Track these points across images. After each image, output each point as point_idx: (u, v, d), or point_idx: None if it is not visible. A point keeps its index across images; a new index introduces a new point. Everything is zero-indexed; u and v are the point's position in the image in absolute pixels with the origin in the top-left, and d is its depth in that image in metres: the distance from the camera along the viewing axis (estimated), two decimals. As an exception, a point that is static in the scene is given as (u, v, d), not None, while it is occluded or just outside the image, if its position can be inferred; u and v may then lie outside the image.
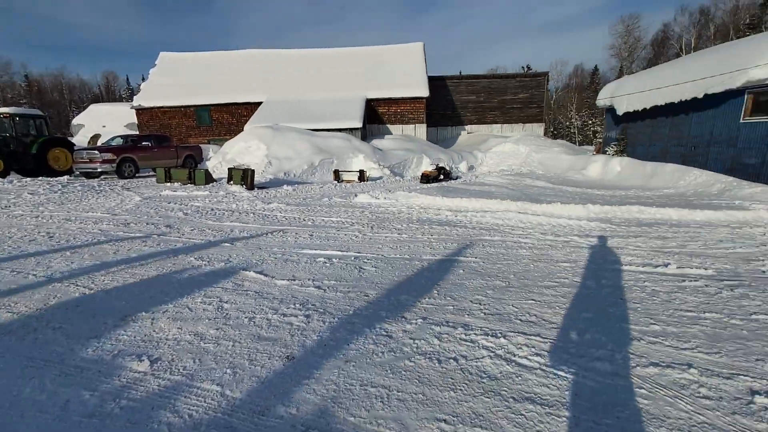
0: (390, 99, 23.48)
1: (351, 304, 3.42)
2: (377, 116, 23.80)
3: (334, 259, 4.77)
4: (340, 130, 19.35)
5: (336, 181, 14.18)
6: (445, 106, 27.51)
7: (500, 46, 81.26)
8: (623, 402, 2.14)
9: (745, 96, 10.33)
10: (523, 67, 50.26)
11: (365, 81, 24.05)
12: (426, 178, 13.55)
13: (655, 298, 3.58)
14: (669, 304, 3.45)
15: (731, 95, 10.71)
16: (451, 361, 2.53)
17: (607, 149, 17.16)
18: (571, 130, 42.97)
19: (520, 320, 3.11)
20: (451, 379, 2.34)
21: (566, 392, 2.22)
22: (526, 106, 27.40)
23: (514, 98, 27.42)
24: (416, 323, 3.04)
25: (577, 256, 4.92)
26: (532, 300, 3.52)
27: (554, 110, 46.73)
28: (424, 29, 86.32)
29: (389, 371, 2.41)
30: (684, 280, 4.02)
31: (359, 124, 19.67)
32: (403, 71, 24.52)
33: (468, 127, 27.69)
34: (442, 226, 6.68)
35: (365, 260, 4.76)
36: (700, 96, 11.33)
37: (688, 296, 3.62)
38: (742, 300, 3.54)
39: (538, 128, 27.32)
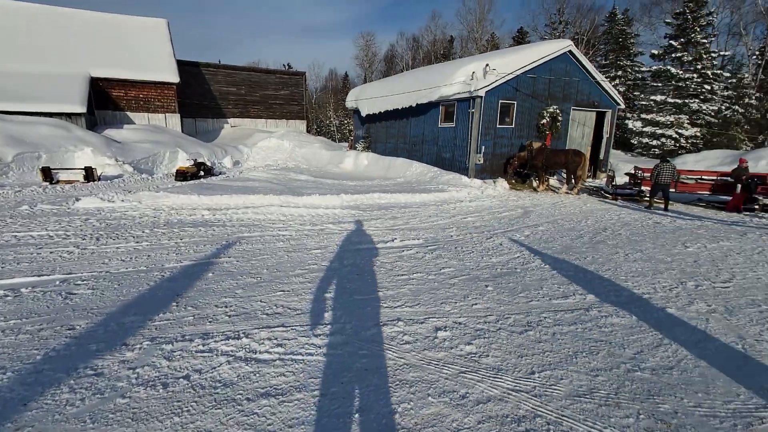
0: (128, 81, 19.31)
1: (41, 347, 2.54)
2: (111, 101, 19.19)
3: (22, 289, 3.48)
4: (51, 114, 14.56)
5: (47, 182, 10.62)
6: (203, 96, 24.98)
7: (262, 41, 79.51)
8: (348, 367, 2.42)
9: (440, 107, 13.93)
10: (284, 65, 51.46)
11: (90, 55, 18.81)
12: (182, 175, 11.95)
13: (382, 268, 4.30)
14: (391, 272, 4.21)
15: (432, 106, 14.24)
16: (181, 380, 2.24)
17: (357, 146, 19.75)
18: (331, 128, 47.45)
19: (266, 314, 3.09)
20: (178, 402, 2.06)
21: (301, 375, 2.32)
22: (288, 102, 28.20)
23: (276, 94, 27.70)
24: (141, 348, 2.55)
25: (329, 241, 5.38)
26: (281, 291, 3.58)
27: (316, 109, 50.30)
28: (170, 9, 73.96)
29: (89, 421, 1.90)
30: (404, 251, 5.01)
31: (82, 109, 15.31)
32: (144, 49, 20.54)
33: (231, 120, 26.15)
34: (197, 228, 6.00)
35: (78, 283, 3.70)
36: (414, 105, 14.58)
37: (405, 263, 4.53)
38: (437, 259, 4.71)
39: (301, 125, 28.67)
